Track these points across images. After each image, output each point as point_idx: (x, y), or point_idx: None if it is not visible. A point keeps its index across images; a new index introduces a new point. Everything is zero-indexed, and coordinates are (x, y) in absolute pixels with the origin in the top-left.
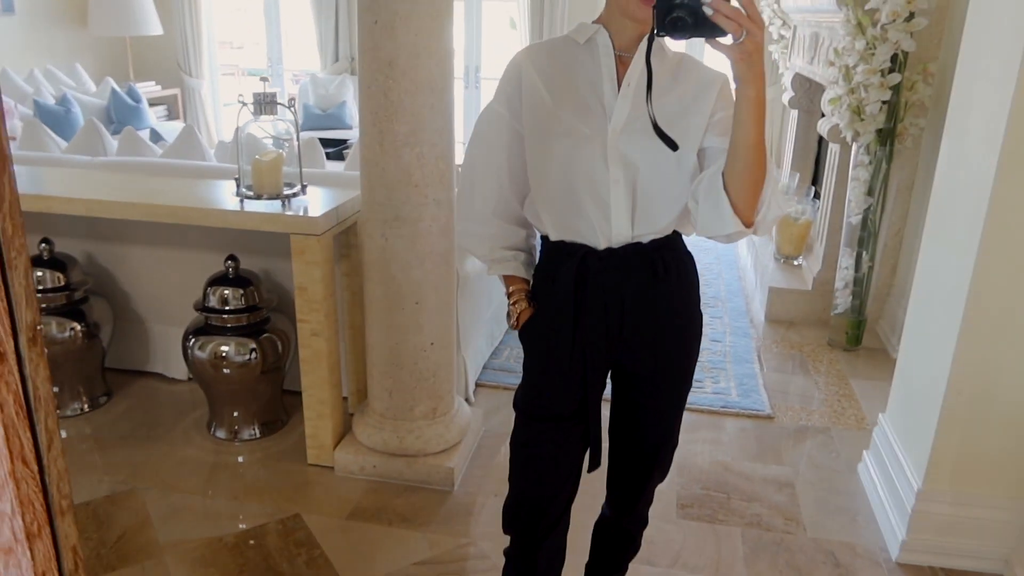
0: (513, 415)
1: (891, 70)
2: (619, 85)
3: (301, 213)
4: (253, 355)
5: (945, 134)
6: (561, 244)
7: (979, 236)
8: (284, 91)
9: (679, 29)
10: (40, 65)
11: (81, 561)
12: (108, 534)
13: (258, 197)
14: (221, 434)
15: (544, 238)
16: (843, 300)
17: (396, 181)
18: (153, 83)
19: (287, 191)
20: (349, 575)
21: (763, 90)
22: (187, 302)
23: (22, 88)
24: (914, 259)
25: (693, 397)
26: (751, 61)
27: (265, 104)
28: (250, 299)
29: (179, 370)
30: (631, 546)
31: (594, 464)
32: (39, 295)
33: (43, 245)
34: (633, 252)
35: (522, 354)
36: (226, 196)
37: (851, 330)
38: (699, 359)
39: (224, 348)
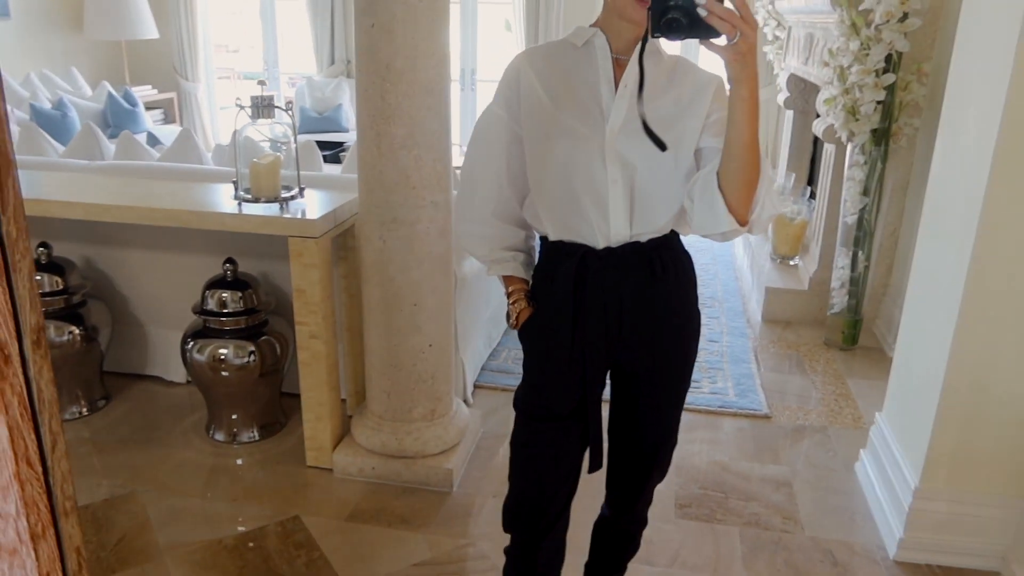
0: (512, 416)
1: (885, 70)
2: (616, 87)
3: (299, 216)
4: (252, 358)
5: (940, 134)
6: (560, 244)
7: (974, 235)
8: (280, 94)
9: (674, 30)
10: (36, 69)
11: (84, 562)
12: (108, 537)
13: (256, 200)
14: (220, 437)
15: (543, 238)
16: (839, 300)
17: (394, 183)
18: (149, 87)
19: (285, 194)
20: None
21: (756, 90)
22: (185, 305)
23: (18, 92)
24: (910, 258)
25: (690, 397)
26: (745, 62)
27: (263, 107)
28: (248, 302)
29: (178, 373)
30: (630, 546)
31: (595, 465)
32: None
33: (41, 249)
34: (632, 251)
35: (521, 355)
36: (224, 199)
37: (847, 329)
38: (696, 359)
39: (223, 351)
